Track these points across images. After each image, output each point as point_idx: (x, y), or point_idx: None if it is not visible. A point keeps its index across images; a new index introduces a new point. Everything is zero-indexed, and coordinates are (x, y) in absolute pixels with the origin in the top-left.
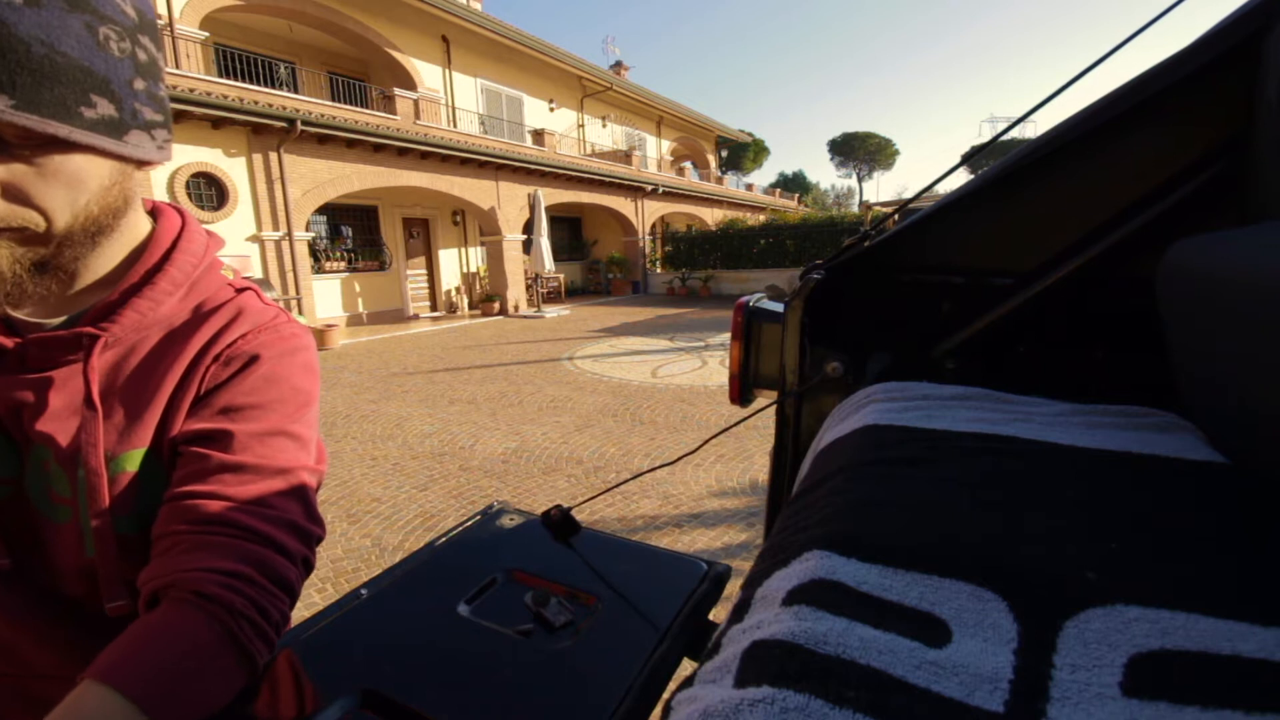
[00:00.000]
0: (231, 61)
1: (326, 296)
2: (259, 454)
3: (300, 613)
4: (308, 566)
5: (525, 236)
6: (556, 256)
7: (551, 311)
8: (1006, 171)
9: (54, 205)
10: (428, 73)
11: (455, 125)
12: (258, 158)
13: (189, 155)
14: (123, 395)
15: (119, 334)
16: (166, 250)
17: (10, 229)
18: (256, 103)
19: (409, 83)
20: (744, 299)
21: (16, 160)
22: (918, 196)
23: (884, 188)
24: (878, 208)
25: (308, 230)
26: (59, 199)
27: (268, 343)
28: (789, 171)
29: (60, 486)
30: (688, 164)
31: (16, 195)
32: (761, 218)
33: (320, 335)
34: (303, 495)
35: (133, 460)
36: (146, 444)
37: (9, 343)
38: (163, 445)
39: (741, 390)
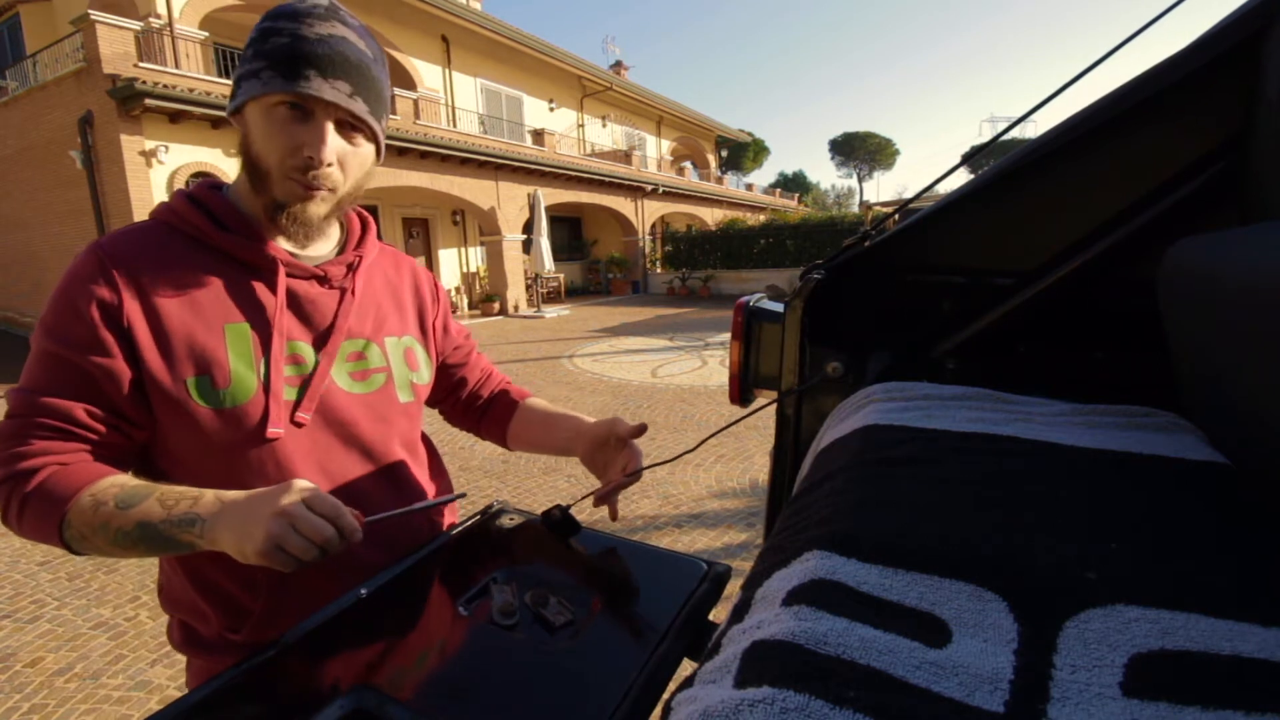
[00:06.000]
0: (231, 61)
1: None
2: None
3: None
4: None
5: (525, 236)
6: (556, 256)
7: (551, 311)
8: (1006, 171)
9: (352, 175)
10: (427, 72)
11: (455, 125)
12: None
13: (188, 155)
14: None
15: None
16: (362, 221)
17: (328, 188)
18: None
19: (409, 82)
20: (744, 299)
21: (349, 143)
22: (918, 196)
23: (884, 188)
24: (878, 208)
25: None
26: (354, 171)
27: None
28: (789, 171)
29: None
30: (688, 164)
31: (341, 165)
32: (761, 218)
33: None
34: None
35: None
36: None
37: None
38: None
39: (741, 390)
